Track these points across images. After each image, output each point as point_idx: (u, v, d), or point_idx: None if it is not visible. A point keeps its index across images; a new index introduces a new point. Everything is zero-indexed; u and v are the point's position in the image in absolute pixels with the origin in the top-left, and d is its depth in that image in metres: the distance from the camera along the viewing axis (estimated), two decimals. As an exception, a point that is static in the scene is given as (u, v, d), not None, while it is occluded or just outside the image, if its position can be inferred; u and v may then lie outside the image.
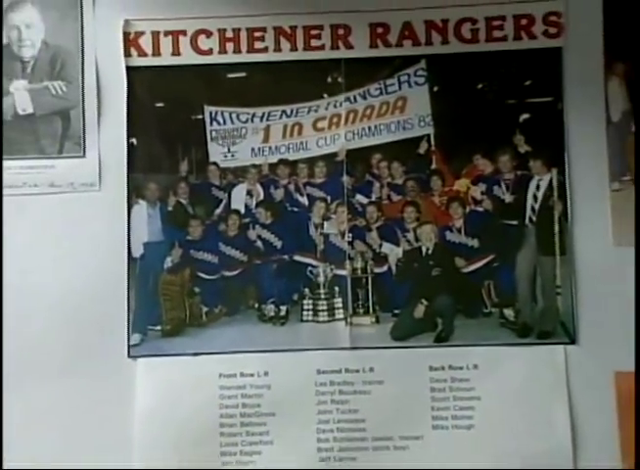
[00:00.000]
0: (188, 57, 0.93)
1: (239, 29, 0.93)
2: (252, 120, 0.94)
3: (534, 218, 0.92)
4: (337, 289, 0.92)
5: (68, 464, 0.90)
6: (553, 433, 0.89)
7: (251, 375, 0.90)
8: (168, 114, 0.94)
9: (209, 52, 0.93)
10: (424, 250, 0.92)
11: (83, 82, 0.93)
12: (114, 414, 0.90)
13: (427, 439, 0.88)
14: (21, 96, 0.94)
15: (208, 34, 0.93)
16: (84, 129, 0.93)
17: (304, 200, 0.94)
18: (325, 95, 0.93)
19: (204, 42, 0.93)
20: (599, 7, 0.92)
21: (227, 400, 0.90)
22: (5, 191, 0.92)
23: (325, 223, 0.94)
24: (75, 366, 0.91)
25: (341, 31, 0.93)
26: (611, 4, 0.93)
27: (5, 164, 0.92)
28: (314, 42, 0.94)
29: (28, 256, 0.91)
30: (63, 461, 0.90)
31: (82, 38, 0.93)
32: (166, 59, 0.93)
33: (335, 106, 0.93)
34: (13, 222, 0.92)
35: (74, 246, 0.92)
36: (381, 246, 0.94)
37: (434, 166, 0.93)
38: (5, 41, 0.94)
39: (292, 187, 0.94)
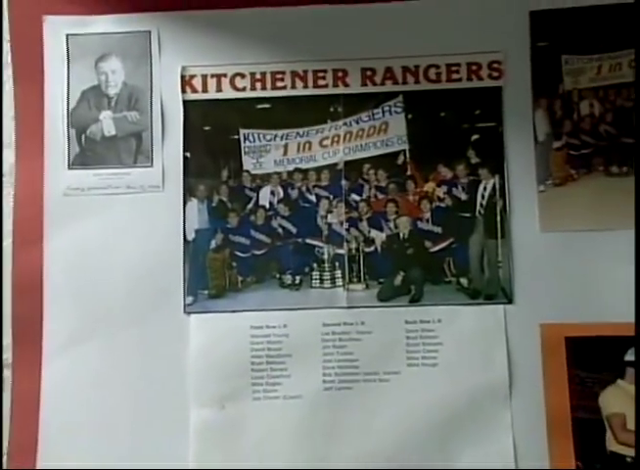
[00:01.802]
0: (227, 93, 1.10)
1: (265, 73, 1.10)
2: (275, 139, 1.10)
3: (482, 212, 1.07)
4: (337, 264, 1.08)
5: (134, 392, 1.06)
6: (495, 369, 1.04)
7: (274, 327, 1.06)
8: (213, 134, 1.10)
9: (243, 89, 1.10)
10: (401, 235, 1.08)
11: (151, 112, 1.11)
12: (172, 355, 1.06)
13: (403, 373, 1.04)
14: (107, 123, 1.11)
15: (242, 76, 1.10)
16: (152, 146, 1.10)
17: (313, 198, 1.10)
18: (328, 121, 1.10)
19: (239, 82, 1.10)
20: (528, 58, 1.08)
21: (256, 345, 1.06)
22: (95, 191, 1.09)
23: (328, 215, 1.10)
24: (144, 320, 1.07)
25: (340, 74, 1.10)
26: (536, 57, 1.08)
27: (95, 171, 1.09)
28: (320, 82, 1.10)
29: (111, 238, 1.08)
30: (131, 391, 1.06)
31: (151, 80, 1.11)
32: (212, 94, 1.11)
33: (335, 129, 1.10)
34: (100, 214, 1.09)
35: (144, 232, 1.08)
36: (369, 232, 1.09)
37: (408, 173, 1.09)
38: (96, 82, 1.11)
39: (304, 188, 1.10)
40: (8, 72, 1.11)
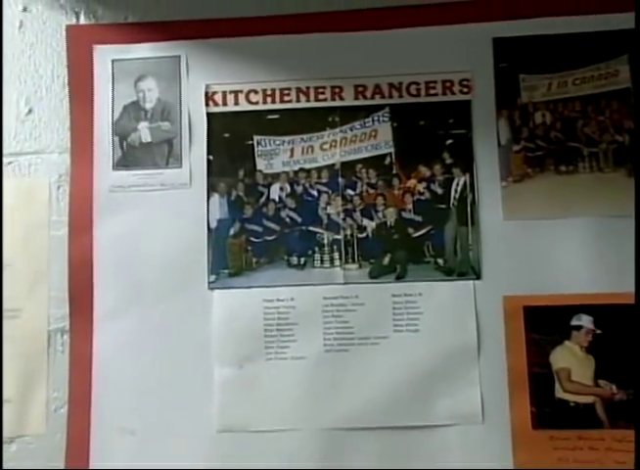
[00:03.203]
0: (243, 106, 1.24)
1: (274, 89, 1.23)
2: (283, 144, 1.22)
3: (455, 203, 1.19)
4: (335, 247, 1.20)
5: (167, 355, 1.19)
6: (465, 334, 1.16)
7: (283, 300, 1.19)
8: (231, 140, 1.23)
9: (257, 103, 1.23)
10: (388, 223, 1.20)
11: (181, 122, 1.24)
12: (198, 324, 1.19)
13: (390, 338, 1.17)
14: (144, 131, 1.24)
15: (256, 92, 1.24)
16: (181, 151, 1.23)
17: (315, 193, 1.22)
18: (327, 128, 1.22)
19: (253, 97, 1.24)
20: (492, 76, 1.22)
21: (268, 315, 1.19)
22: (134, 189, 1.23)
23: (327, 207, 1.21)
24: (175, 295, 1.20)
25: (336, 90, 1.23)
26: (498, 76, 1.21)
27: (134, 172, 1.24)
28: (320, 96, 1.23)
29: (147, 227, 1.22)
30: (164, 354, 1.19)
31: (180, 96, 1.25)
32: (231, 107, 1.24)
33: (333, 135, 1.22)
34: (138, 207, 1.22)
35: (174, 222, 1.21)
36: (362, 221, 1.21)
37: (394, 172, 1.21)
38: (135, 98, 1.25)
39: (307, 185, 1.22)
40: (65, 92, 1.28)
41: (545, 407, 1.16)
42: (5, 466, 1.16)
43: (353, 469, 1.17)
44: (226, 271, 1.22)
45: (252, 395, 1.18)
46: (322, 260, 1.22)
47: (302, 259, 1.22)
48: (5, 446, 1.19)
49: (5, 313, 1.21)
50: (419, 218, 1.22)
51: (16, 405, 1.19)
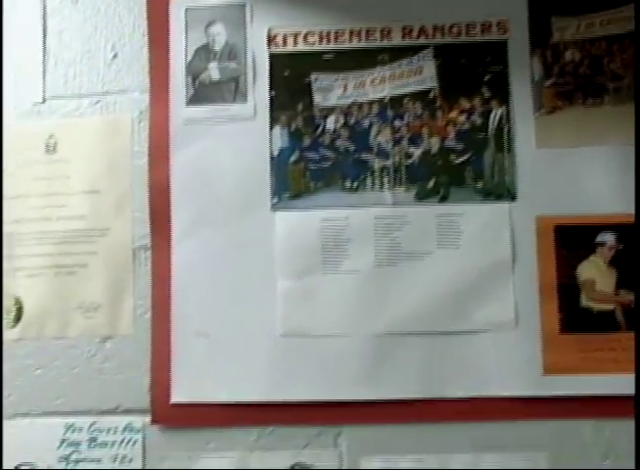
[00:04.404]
0: (302, 47, 1.33)
1: (329, 31, 1.32)
2: (337, 81, 1.31)
3: (493, 133, 1.28)
4: (384, 172, 1.29)
5: (235, 269, 1.30)
6: (501, 250, 1.26)
7: (338, 220, 1.29)
8: (291, 78, 1.32)
9: (314, 44, 1.32)
10: (432, 151, 1.29)
11: (246, 62, 1.33)
12: (262, 241, 1.30)
13: (434, 254, 1.27)
14: (214, 71, 1.34)
15: (313, 34, 1.32)
16: (246, 88, 1.32)
17: (367, 123, 1.30)
18: (377, 66, 1.31)
19: (310, 39, 1.32)
20: (527, 18, 1.30)
21: (325, 234, 1.30)
22: (206, 122, 1.33)
23: (378, 136, 1.29)
24: (242, 216, 1.31)
25: (386, 31, 1.31)
26: (532, 18, 1.30)
27: (205, 107, 1.34)
28: (371, 37, 1.31)
29: (217, 155, 1.33)
30: (232, 268, 1.30)
31: (246, 39, 1.34)
32: (290, 48, 1.33)
33: (383, 72, 1.30)
34: (209, 138, 1.33)
35: (241, 151, 1.32)
36: (409, 149, 1.29)
37: (437, 104, 1.29)
38: (206, 42, 1.35)
39: (359, 117, 1.30)
40: (144, 39, 1.40)
41: (572, 314, 1.26)
42: (100, 362, 1.35)
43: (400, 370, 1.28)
44: (287, 194, 1.31)
45: (311, 304, 1.29)
46: (373, 184, 1.31)
47: (355, 184, 1.30)
48: (99, 345, 1.36)
49: (96, 231, 1.36)
50: (460, 146, 1.30)
51: (107, 310, 1.34)
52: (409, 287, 1.28)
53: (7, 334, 1.35)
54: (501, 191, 1.28)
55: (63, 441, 1.30)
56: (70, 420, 1.33)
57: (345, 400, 1.26)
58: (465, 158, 1.30)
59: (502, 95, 1.30)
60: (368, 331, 1.27)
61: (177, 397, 1.31)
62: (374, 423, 1.27)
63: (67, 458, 1.31)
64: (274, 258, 1.30)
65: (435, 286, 1.27)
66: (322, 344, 1.28)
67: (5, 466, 1.28)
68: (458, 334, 1.27)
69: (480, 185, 1.29)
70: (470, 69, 1.31)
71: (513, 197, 1.28)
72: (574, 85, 1.28)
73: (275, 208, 1.31)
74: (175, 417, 1.31)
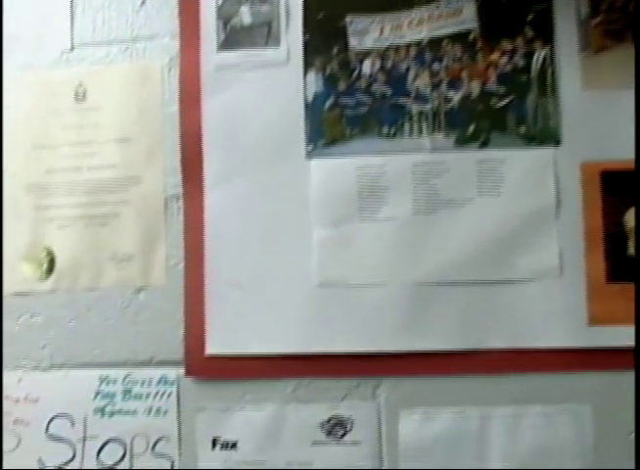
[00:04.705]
0: None
1: None
2: (373, 23, 1.28)
3: (536, 75, 1.24)
4: (423, 118, 1.26)
5: (269, 218, 1.29)
6: (545, 197, 1.23)
7: (375, 167, 1.28)
8: (326, 21, 1.31)
9: None
10: (473, 95, 1.26)
11: (278, 5, 1.32)
12: (298, 190, 1.29)
13: (474, 201, 1.26)
14: (245, 15, 1.33)
15: None
16: (279, 32, 1.31)
17: (404, 67, 1.27)
18: (415, 7, 1.29)
19: None
20: None
21: (363, 178, 1.29)
22: (237, 68, 1.33)
23: (416, 80, 1.27)
24: (276, 163, 1.30)
25: None
26: None
27: (237, 53, 1.33)
28: None
29: (250, 102, 1.32)
30: (266, 217, 1.29)
31: None
32: None
33: (420, 13, 1.28)
34: (242, 84, 1.33)
35: (275, 97, 1.31)
36: (448, 93, 1.26)
37: (478, 46, 1.25)
38: None
39: (397, 60, 1.27)
40: None
41: (618, 263, 1.23)
42: (134, 313, 1.36)
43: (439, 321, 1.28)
44: (322, 141, 1.30)
45: (348, 252, 1.28)
46: (411, 130, 1.28)
47: (393, 130, 1.28)
48: (133, 296, 1.37)
49: (128, 180, 1.36)
50: (501, 90, 1.26)
51: (140, 260, 1.35)
52: (449, 235, 1.25)
53: (40, 285, 1.39)
54: (545, 136, 1.25)
55: (97, 392, 1.31)
56: (105, 372, 1.34)
57: (384, 352, 1.25)
58: (507, 102, 1.26)
59: (546, 35, 1.26)
60: (407, 280, 1.26)
61: (212, 348, 1.32)
62: (413, 375, 1.26)
63: (101, 410, 1.32)
64: (309, 206, 1.29)
65: (476, 234, 1.25)
66: (359, 293, 1.27)
67: (41, 418, 1.34)
68: (500, 283, 1.24)
69: (522, 130, 1.25)
70: (512, 8, 1.26)
71: (557, 142, 1.25)
72: (624, 23, 1.23)
73: (310, 155, 1.29)
74: (210, 369, 1.31)
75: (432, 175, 1.27)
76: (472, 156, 1.26)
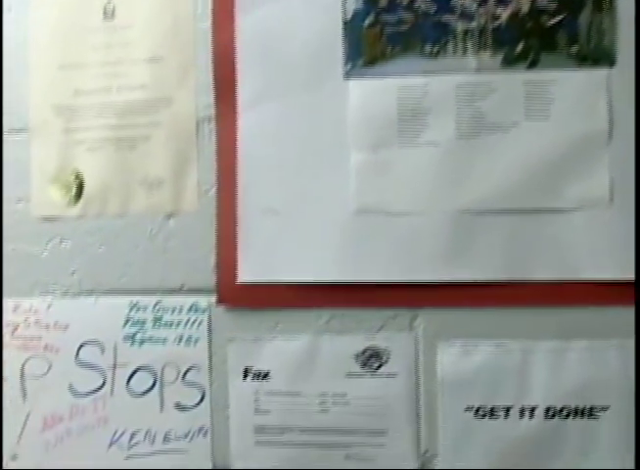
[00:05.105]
0: None
1: None
2: None
3: None
4: (468, 36, 1.21)
5: (305, 141, 1.24)
6: (597, 121, 1.19)
7: (417, 88, 1.22)
8: None
9: None
10: (522, 11, 1.19)
11: None
12: (335, 112, 1.25)
13: (521, 125, 1.20)
14: None
15: None
16: None
17: None
18: None
19: None
20: None
21: (404, 99, 1.23)
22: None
23: None
24: (313, 84, 1.25)
25: None
26: None
27: None
28: None
29: (287, 21, 1.26)
30: (302, 140, 1.25)
31: None
32: None
33: None
34: (277, 2, 1.27)
35: (311, 14, 1.26)
36: (496, 10, 1.20)
37: None
38: None
39: None
40: None
41: None
42: (164, 240, 1.34)
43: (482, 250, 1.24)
44: (361, 61, 1.24)
45: (387, 178, 1.23)
46: (455, 49, 1.23)
47: (436, 48, 1.23)
48: (163, 222, 1.34)
49: (158, 102, 1.32)
50: (553, 6, 1.20)
51: (170, 185, 1.31)
52: (493, 161, 1.20)
53: (69, 210, 1.37)
54: (598, 56, 1.18)
55: (127, 320, 1.29)
56: (135, 299, 1.33)
57: (423, 282, 1.22)
58: (558, 19, 1.19)
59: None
60: (448, 208, 1.22)
61: (244, 276, 1.30)
62: (453, 306, 1.23)
63: (132, 337, 1.31)
64: (347, 129, 1.23)
65: (522, 160, 1.20)
66: (398, 221, 1.23)
67: (71, 345, 1.34)
68: (546, 212, 1.20)
69: (574, 49, 1.19)
70: None
71: (612, 62, 1.18)
72: None
73: (348, 75, 1.24)
74: (242, 297, 1.29)
75: (476, 97, 1.21)
76: (519, 76, 1.20)
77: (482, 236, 1.24)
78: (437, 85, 1.22)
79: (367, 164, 1.24)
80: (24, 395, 1.28)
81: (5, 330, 1.32)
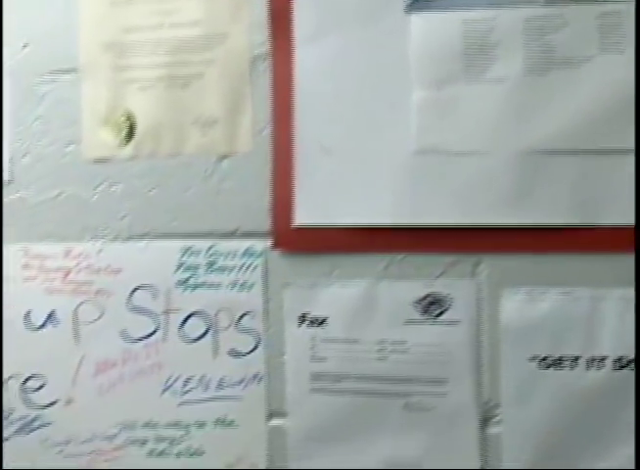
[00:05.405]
0: None
1: None
2: None
3: None
4: None
5: (366, 78, 1.20)
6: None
7: (483, 21, 1.16)
8: None
9: None
10: None
11: None
12: (396, 47, 1.19)
13: (594, 60, 1.14)
14: None
15: None
16: None
17: None
18: None
19: None
20: None
21: (470, 33, 1.17)
22: None
23: None
24: (373, 19, 1.20)
25: None
26: None
27: None
28: None
29: None
30: (363, 77, 1.20)
31: None
32: None
33: None
34: None
35: None
36: None
37: None
38: None
39: None
40: None
41: None
42: (218, 181, 1.30)
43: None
44: None
45: (450, 116, 1.18)
46: None
47: None
48: (217, 163, 1.30)
49: (212, 38, 1.28)
50: None
51: (224, 125, 1.28)
52: (564, 98, 1.14)
53: (119, 152, 1.33)
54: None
55: (180, 264, 1.26)
56: (188, 243, 1.31)
57: (487, 226, 1.17)
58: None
59: None
60: (515, 148, 1.16)
61: (300, 219, 1.26)
62: (518, 252, 1.18)
63: (184, 282, 1.28)
64: (409, 65, 1.18)
65: (595, 97, 1.13)
66: (462, 162, 1.18)
67: (123, 289, 1.32)
68: (619, 152, 1.13)
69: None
70: None
71: None
72: None
73: (410, 8, 1.18)
74: (298, 241, 1.26)
75: (546, 31, 1.14)
76: (592, 9, 1.13)
77: (550, 177, 1.18)
78: (505, 18, 1.15)
79: (430, 102, 1.19)
80: (78, 339, 1.24)
81: (55, 275, 1.31)
